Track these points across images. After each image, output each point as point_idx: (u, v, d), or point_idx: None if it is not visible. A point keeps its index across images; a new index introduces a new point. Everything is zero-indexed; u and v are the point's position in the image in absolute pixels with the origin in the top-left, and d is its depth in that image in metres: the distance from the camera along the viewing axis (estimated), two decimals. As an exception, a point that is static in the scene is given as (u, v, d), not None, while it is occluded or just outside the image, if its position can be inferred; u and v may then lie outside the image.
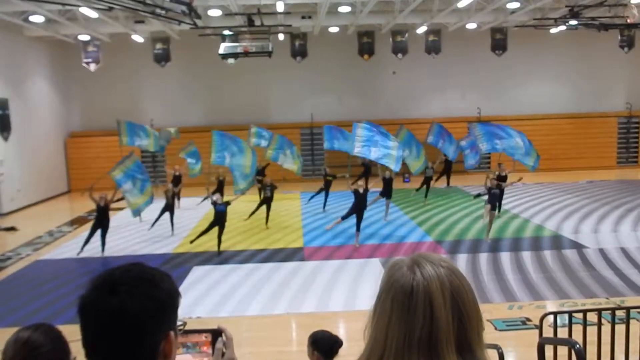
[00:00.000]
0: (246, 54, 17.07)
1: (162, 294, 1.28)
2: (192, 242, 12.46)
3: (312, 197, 17.14)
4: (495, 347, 4.83)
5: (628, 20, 15.88)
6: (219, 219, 12.14)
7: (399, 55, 21.54)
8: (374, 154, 12.88)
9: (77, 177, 22.06)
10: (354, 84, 23.98)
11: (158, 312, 1.26)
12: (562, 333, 5.74)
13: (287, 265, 11.11)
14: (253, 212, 14.98)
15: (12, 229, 15.55)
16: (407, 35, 21.18)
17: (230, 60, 21.00)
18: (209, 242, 12.38)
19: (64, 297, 9.28)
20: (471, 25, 21.10)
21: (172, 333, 1.30)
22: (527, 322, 7.82)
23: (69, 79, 22.91)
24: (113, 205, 12.61)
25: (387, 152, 12.75)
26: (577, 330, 5.37)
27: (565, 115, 24.55)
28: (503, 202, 14.98)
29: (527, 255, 11.27)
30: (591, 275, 9.91)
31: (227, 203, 12.39)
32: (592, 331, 5.35)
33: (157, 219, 14.08)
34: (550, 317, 6.38)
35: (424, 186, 17.23)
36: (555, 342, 5.38)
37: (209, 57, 20.70)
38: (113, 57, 21.51)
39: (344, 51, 22.85)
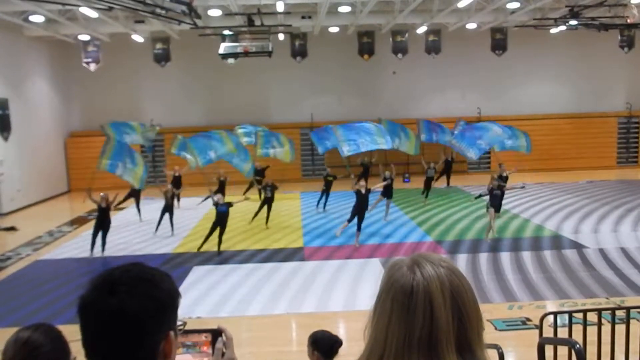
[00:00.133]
0: (246, 54, 17.07)
1: (162, 294, 1.28)
2: (199, 249, 12.27)
3: (319, 202, 16.94)
4: (495, 347, 4.83)
5: (628, 20, 15.88)
6: (221, 220, 12.12)
7: (399, 55, 21.55)
8: (363, 146, 12.99)
9: (77, 177, 22.04)
10: (354, 84, 23.98)
11: (158, 312, 1.26)
12: (562, 333, 5.74)
13: (287, 265, 11.11)
14: (256, 214, 14.90)
15: (12, 228, 15.55)
16: (407, 35, 21.18)
17: (230, 60, 21.00)
18: (209, 242, 12.38)
19: (64, 297, 9.28)
20: (471, 25, 21.11)
21: (172, 333, 1.30)
22: (527, 322, 7.82)
23: (69, 79, 22.91)
24: (114, 203, 12.63)
25: (373, 138, 12.96)
26: (577, 330, 5.37)
27: (565, 115, 24.55)
28: (503, 202, 14.96)
29: (527, 255, 11.27)
30: (591, 275, 9.91)
31: (230, 204, 12.32)
32: (592, 331, 5.35)
33: (159, 222, 14.02)
34: (551, 317, 6.38)
35: (427, 187, 17.23)
36: (556, 342, 5.38)
37: (209, 57, 20.69)
38: (113, 57, 21.51)
39: (344, 51, 22.85)
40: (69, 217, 17.50)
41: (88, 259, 12.05)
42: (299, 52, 21.19)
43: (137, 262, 1.34)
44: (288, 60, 21.39)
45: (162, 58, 21.01)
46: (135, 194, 15.73)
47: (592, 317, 5.68)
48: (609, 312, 5.56)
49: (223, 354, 1.53)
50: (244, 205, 14.05)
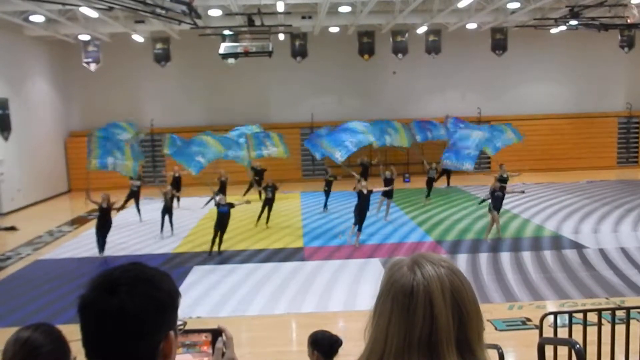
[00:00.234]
0: (246, 54, 17.07)
1: (162, 294, 1.28)
2: (210, 252, 11.98)
3: (325, 203, 16.90)
4: (495, 347, 4.83)
5: (628, 21, 15.88)
6: (222, 220, 12.09)
7: (399, 55, 21.53)
8: (351, 146, 13.11)
9: (77, 176, 22.02)
10: (354, 84, 23.98)
11: (158, 312, 1.26)
12: (562, 333, 5.74)
13: (287, 265, 11.11)
14: (259, 216, 14.79)
15: (12, 228, 15.54)
16: (407, 35, 21.17)
17: (231, 60, 20.99)
18: (209, 242, 12.36)
19: (64, 297, 9.28)
20: (471, 25, 21.10)
21: (172, 333, 1.29)
22: (527, 322, 7.82)
23: (69, 79, 22.91)
24: (115, 205, 12.62)
25: (361, 137, 13.16)
26: (577, 330, 5.37)
27: (565, 115, 24.55)
28: (503, 202, 14.97)
29: (527, 255, 11.27)
30: (591, 275, 9.91)
31: (231, 205, 12.28)
32: (592, 331, 5.34)
33: (162, 224, 13.96)
34: (551, 317, 6.38)
35: (428, 187, 17.24)
36: (556, 342, 5.38)
37: (209, 57, 20.69)
38: (113, 57, 21.50)
39: (344, 51, 22.84)
40: (69, 216, 17.51)
41: (88, 258, 12.05)
42: (299, 52, 21.17)
43: (137, 262, 1.34)
44: (288, 60, 21.38)
45: (162, 58, 20.99)
46: (134, 195, 15.71)
47: (592, 317, 5.68)
48: (609, 312, 5.56)
49: (223, 354, 1.53)
50: (243, 205, 14.04)
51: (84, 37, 19.79)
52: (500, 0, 17.15)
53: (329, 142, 13.64)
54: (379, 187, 14.01)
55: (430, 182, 17.19)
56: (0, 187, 17.79)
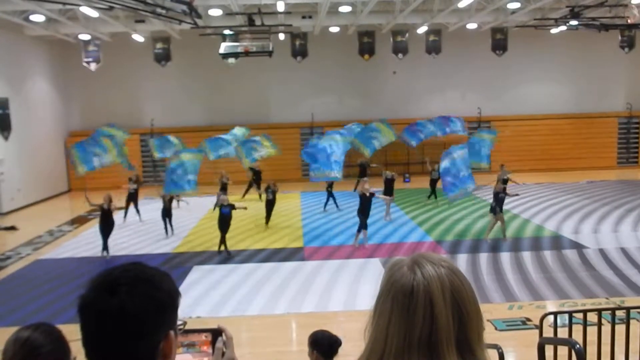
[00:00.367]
0: (247, 53, 17.08)
1: (162, 294, 1.28)
2: (219, 251, 11.94)
3: (336, 203, 16.82)
4: (495, 347, 4.83)
5: (628, 21, 15.88)
6: (223, 221, 12.07)
7: (399, 55, 21.54)
8: (338, 158, 13.41)
9: (77, 176, 22.03)
10: (354, 84, 23.98)
11: (158, 312, 1.26)
12: (562, 333, 5.74)
13: (287, 265, 11.11)
14: (267, 219, 14.74)
15: (12, 228, 15.54)
16: (407, 35, 21.18)
17: (231, 60, 21.00)
18: (209, 242, 12.37)
19: (64, 297, 9.28)
20: (471, 25, 21.10)
21: (172, 333, 1.29)
22: (527, 322, 7.82)
23: (69, 79, 22.91)
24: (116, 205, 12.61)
25: (342, 145, 13.44)
26: (577, 330, 5.37)
27: (565, 115, 24.55)
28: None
29: (527, 255, 11.27)
30: (591, 275, 9.91)
31: (233, 207, 12.25)
32: (592, 331, 5.34)
33: (165, 226, 13.95)
34: (551, 317, 6.38)
35: (432, 189, 17.24)
36: (556, 342, 5.38)
37: (210, 57, 20.69)
38: (113, 57, 21.50)
39: (344, 51, 22.84)
40: (69, 216, 17.51)
41: (88, 258, 12.06)
42: (300, 52, 21.18)
43: (137, 262, 1.34)
44: (288, 60, 21.38)
45: (163, 58, 21.00)
46: (132, 198, 15.67)
47: (592, 317, 5.68)
48: (609, 312, 5.56)
49: (223, 354, 1.53)
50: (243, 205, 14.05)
51: (84, 37, 19.79)
52: (501, 1, 17.15)
53: (316, 174, 13.75)
54: (381, 197, 14.01)
55: (433, 183, 17.20)
56: (0, 186, 17.79)
